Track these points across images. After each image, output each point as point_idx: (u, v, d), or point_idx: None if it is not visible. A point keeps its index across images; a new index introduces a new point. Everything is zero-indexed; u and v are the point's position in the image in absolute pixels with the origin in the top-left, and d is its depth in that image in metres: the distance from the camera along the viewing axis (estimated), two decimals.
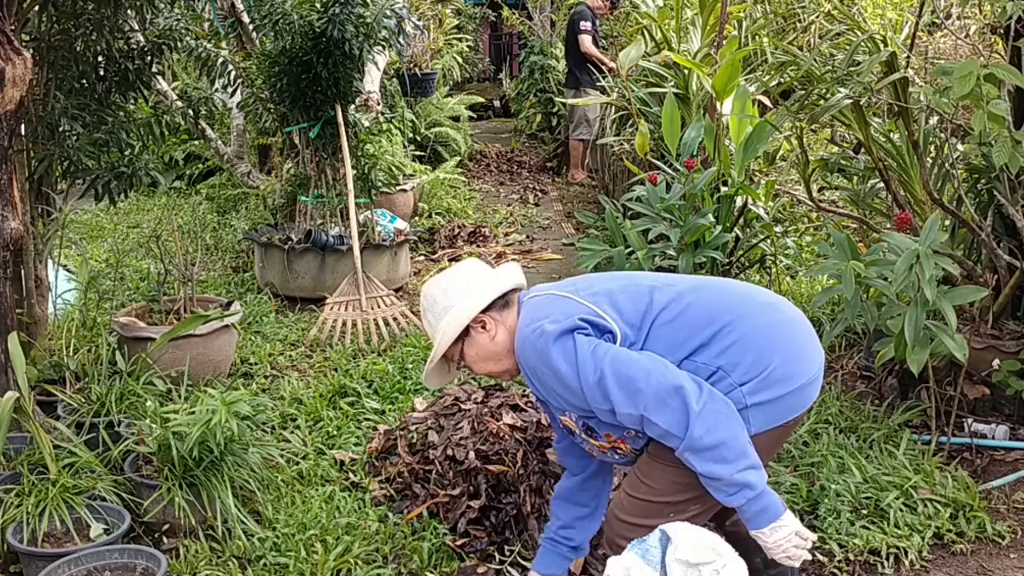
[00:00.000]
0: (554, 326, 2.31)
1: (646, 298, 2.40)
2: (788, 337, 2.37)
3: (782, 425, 2.36)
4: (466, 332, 2.48)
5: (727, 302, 2.40)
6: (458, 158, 9.63)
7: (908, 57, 4.10)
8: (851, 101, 4.01)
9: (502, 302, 2.49)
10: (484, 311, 2.46)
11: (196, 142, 8.81)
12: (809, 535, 2.27)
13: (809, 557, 2.31)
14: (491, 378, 2.61)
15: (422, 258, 7.04)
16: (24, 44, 3.71)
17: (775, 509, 2.23)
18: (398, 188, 7.41)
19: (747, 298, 2.44)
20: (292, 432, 4.07)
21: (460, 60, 11.73)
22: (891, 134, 4.40)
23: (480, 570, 3.15)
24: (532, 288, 2.59)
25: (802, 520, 3.30)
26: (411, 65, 9.50)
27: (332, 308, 5.33)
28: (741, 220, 5.03)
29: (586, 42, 9.11)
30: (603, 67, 8.78)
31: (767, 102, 5.65)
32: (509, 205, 8.85)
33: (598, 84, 8.55)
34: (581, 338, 2.30)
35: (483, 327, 2.47)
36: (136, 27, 4.69)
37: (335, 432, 4.09)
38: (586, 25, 9.19)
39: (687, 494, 2.36)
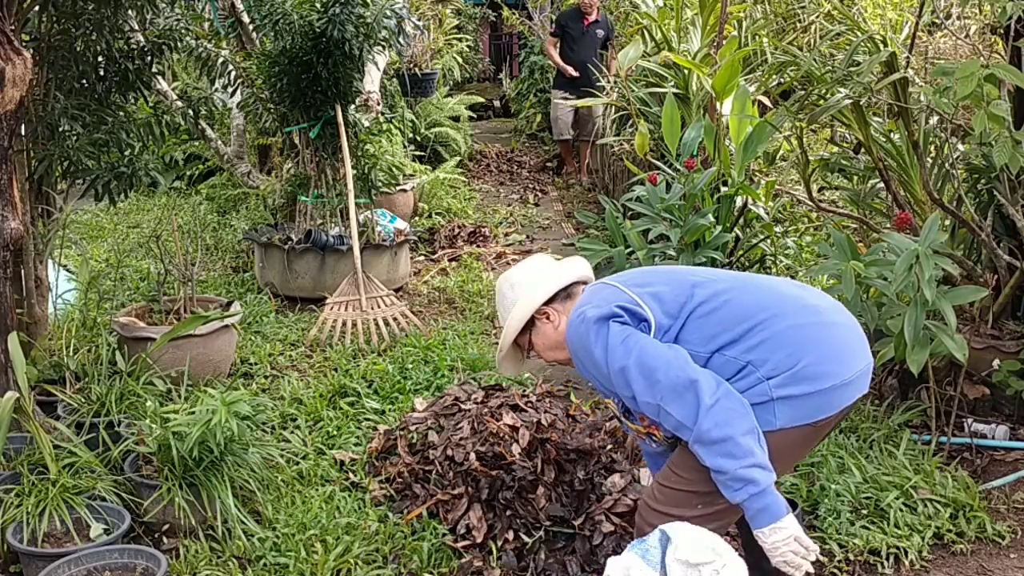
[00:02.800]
0: (594, 311, 2.46)
1: (687, 292, 2.50)
2: (823, 338, 2.41)
3: (811, 424, 2.39)
4: (532, 322, 2.65)
5: (765, 301, 2.47)
6: (458, 158, 9.63)
7: (908, 57, 4.10)
8: (851, 101, 4.01)
9: (565, 294, 2.65)
10: (548, 303, 2.63)
11: (196, 142, 8.81)
12: (811, 545, 2.29)
13: (811, 570, 2.31)
14: (560, 365, 2.82)
15: (422, 258, 7.04)
16: (24, 44, 3.71)
17: (776, 510, 2.26)
18: (398, 188, 7.41)
19: (788, 298, 2.50)
20: (292, 432, 4.07)
21: (460, 60, 11.74)
22: (891, 134, 4.40)
23: (477, 563, 3.15)
24: (593, 282, 2.73)
25: (802, 520, 3.29)
26: (411, 65, 9.50)
27: (332, 308, 5.33)
28: (741, 220, 5.03)
29: (546, 46, 9.56)
30: (564, 73, 9.11)
31: (767, 102, 5.65)
32: (509, 205, 8.85)
33: (568, 88, 8.95)
34: (616, 326, 2.43)
35: (547, 318, 2.64)
36: (136, 27, 4.69)
37: (335, 432, 4.09)
38: (551, 28, 9.64)
39: (716, 486, 2.41)
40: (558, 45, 9.32)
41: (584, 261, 2.78)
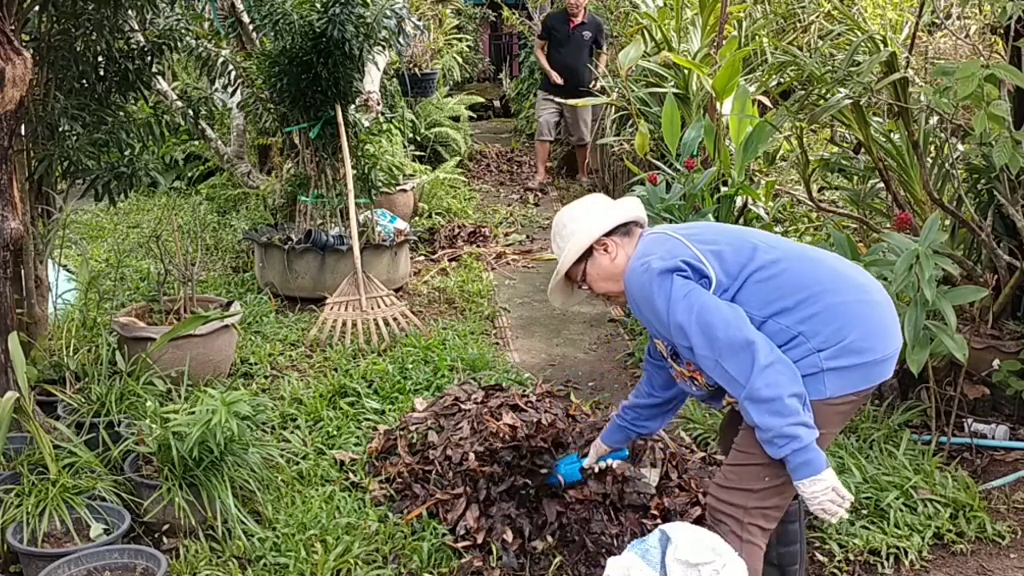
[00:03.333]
0: (659, 263, 2.54)
1: (748, 253, 2.59)
2: (869, 316, 2.52)
3: (855, 394, 2.52)
4: (589, 253, 2.74)
5: (820, 276, 2.56)
6: (458, 158, 9.63)
7: (908, 57, 4.10)
8: (851, 101, 4.01)
9: (624, 230, 2.74)
10: (607, 235, 2.72)
11: (196, 142, 8.80)
12: (847, 494, 2.45)
13: (846, 516, 2.51)
14: (607, 298, 2.97)
15: (422, 258, 7.04)
16: (24, 44, 3.71)
17: (818, 464, 2.40)
18: (398, 188, 7.41)
19: (840, 275, 2.59)
20: (292, 432, 4.07)
21: (460, 60, 11.73)
22: (891, 134, 4.40)
23: (477, 563, 3.15)
24: (655, 226, 2.82)
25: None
26: (411, 65, 9.50)
27: (332, 308, 5.33)
28: (741, 220, 5.03)
29: (536, 50, 9.46)
30: (549, 77, 9.08)
31: (767, 102, 5.66)
32: (509, 205, 8.85)
33: (555, 91, 8.91)
34: (679, 280, 2.52)
35: (605, 249, 2.73)
36: (136, 27, 4.69)
37: (335, 432, 4.09)
38: (538, 31, 9.60)
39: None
40: (545, 48, 9.23)
41: (639, 202, 2.86)
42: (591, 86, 8.66)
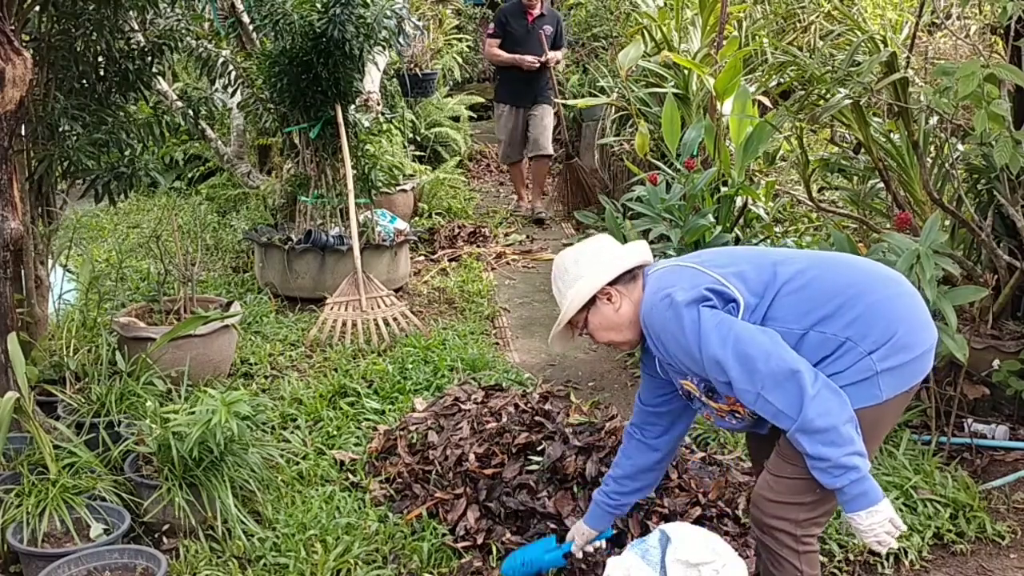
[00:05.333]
0: (683, 295, 2.43)
1: (770, 270, 2.50)
2: (908, 308, 2.46)
3: (907, 391, 2.46)
4: (592, 302, 2.63)
5: (850, 277, 2.49)
6: (458, 158, 9.62)
7: (908, 57, 4.10)
8: (851, 101, 4.01)
9: (629, 276, 2.63)
10: (611, 284, 2.61)
11: (196, 142, 8.81)
12: (900, 524, 2.37)
13: (896, 545, 2.46)
14: (611, 347, 2.83)
15: (422, 258, 7.04)
16: (24, 44, 3.71)
17: (874, 495, 2.32)
18: (398, 188, 7.41)
19: (869, 272, 2.53)
20: (292, 432, 4.07)
21: (460, 60, 11.73)
22: (891, 134, 4.40)
23: (477, 563, 3.15)
24: (656, 262, 2.72)
25: None
26: (411, 65, 9.49)
27: (332, 308, 5.33)
28: (741, 220, 5.03)
29: (487, 49, 8.07)
30: (522, 66, 7.71)
31: (767, 102, 5.66)
32: (509, 205, 8.85)
33: (514, 100, 7.89)
34: (706, 311, 2.41)
35: (608, 299, 2.62)
36: (136, 27, 4.69)
37: (335, 432, 4.09)
38: (489, 28, 8.13)
39: None
40: (500, 47, 7.90)
41: (645, 245, 2.75)
42: (549, 94, 7.81)
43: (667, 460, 2.88)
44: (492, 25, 8.10)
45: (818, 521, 2.51)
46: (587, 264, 2.64)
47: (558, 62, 7.93)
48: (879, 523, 2.32)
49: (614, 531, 3.05)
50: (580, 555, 2.97)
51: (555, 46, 7.89)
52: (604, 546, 3.02)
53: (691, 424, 2.92)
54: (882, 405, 2.40)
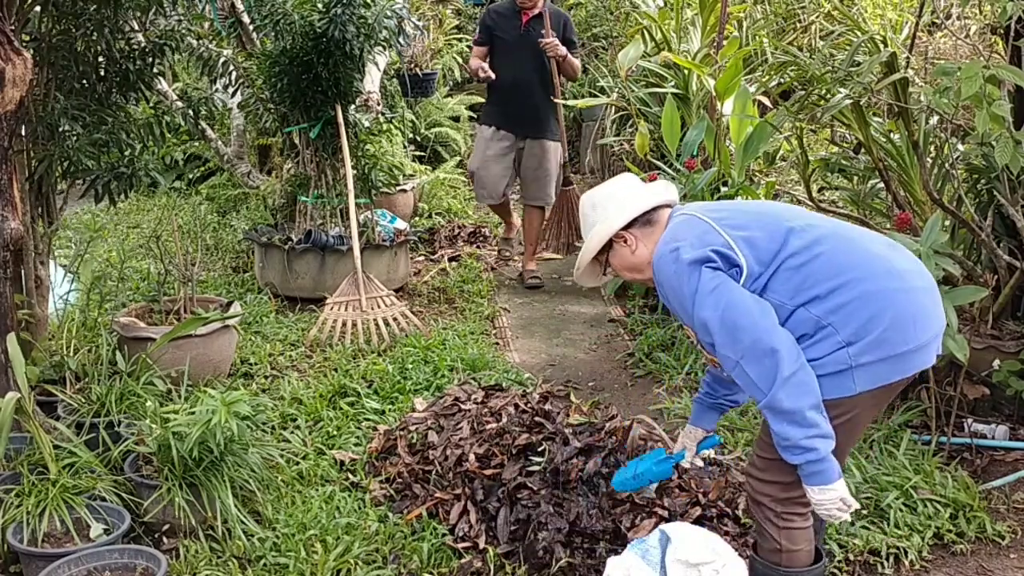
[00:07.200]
0: (689, 253, 2.50)
1: (781, 238, 2.53)
2: (902, 304, 2.46)
3: (886, 386, 2.50)
4: (609, 244, 2.74)
5: (856, 260, 2.50)
6: (458, 158, 9.63)
7: (908, 57, 4.10)
8: (851, 101, 4.01)
9: (644, 219, 2.70)
10: (627, 227, 2.69)
11: (196, 143, 8.80)
12: (853, 503, 2.48)
13: (848, 519, 2.59)
14: (635, 283, 3.00)
15: (422, 258, 7.04)
16: (24, 44, 3.71)
17: (830, 475, 2.42)
18: (398, 188, 7.41)
19: (877, 259, 2.52)
20: (292, 432, 4.07)
21: (460, 60, 11.72)
22: (891, 134, 4.41)
23: (477, 564, 3.15)
24: (685, 205, 2.75)
25: None
26: (411, 65, 9.49)
27: (332, 308, 5.33)
28: None
29: (471, 59, 6.28)
30: (477, 77, 6.20)
31: (767, 102, 5.66)
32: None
33: (501, 122, 6.15)
34: (707, 272, 2.48)
35: (624, 242, 2.71)
36: (137, 27, 4.69)
37: (335, 432, 4.09)
38: (476, 36, 6.37)
39: None
40: (487, 57, 6.18)
41: (670, 184, 2.82)
42: (554, 126, 6.08)
43: None
44: (478, 31, 6.34)
45: (800, 501, 2.56)
46: (604, 209, 2.73)
47: (564, 58, 5.95)
48: (830, 500, 2.43)
49: (721, 439, 3.15)
50: (688, 466, 3.05)
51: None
52: (712, 455, 3.13)
53: None
54: (855, 398, 2.46)
